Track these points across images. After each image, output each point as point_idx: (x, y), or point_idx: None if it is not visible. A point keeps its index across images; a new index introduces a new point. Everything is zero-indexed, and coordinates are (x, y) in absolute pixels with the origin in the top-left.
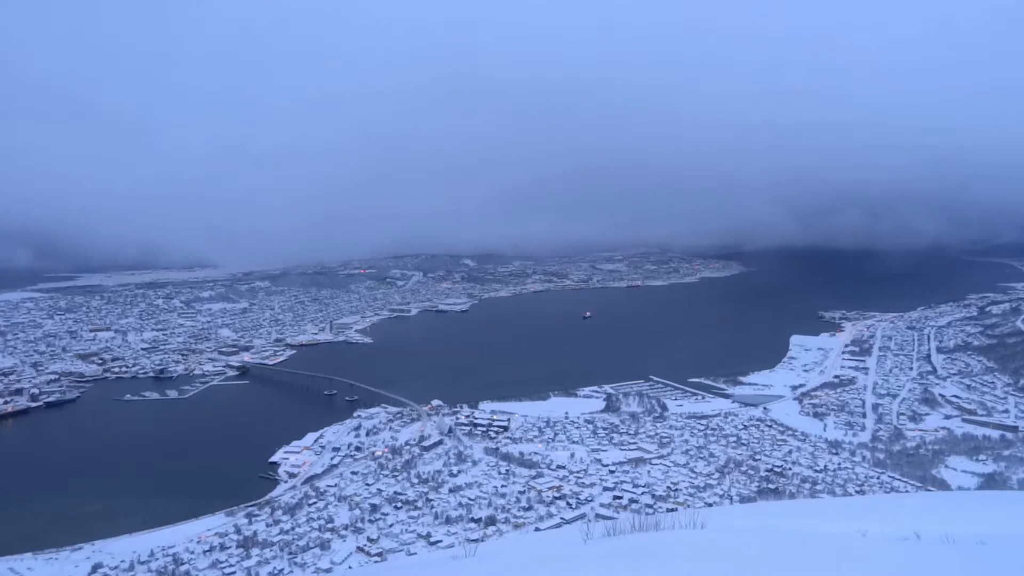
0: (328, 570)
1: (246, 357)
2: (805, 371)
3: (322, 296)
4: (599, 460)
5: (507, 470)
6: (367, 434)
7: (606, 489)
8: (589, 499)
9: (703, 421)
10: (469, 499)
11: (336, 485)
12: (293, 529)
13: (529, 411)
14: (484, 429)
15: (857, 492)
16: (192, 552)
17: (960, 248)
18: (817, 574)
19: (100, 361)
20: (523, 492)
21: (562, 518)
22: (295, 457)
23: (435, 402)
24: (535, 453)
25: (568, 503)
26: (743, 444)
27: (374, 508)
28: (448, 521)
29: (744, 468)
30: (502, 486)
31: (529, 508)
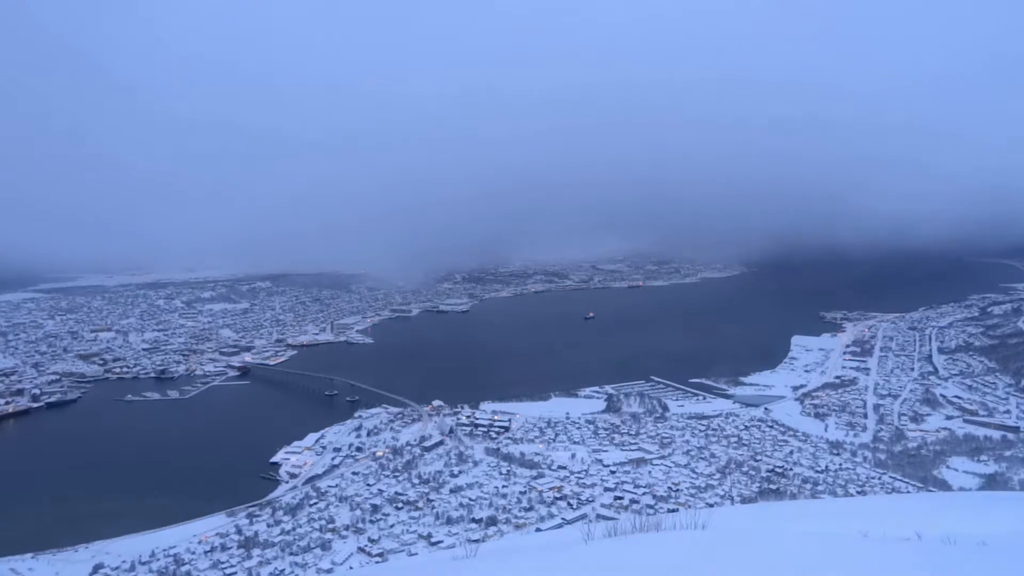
0: (329, 570)
1: (247, 357)
2: (806, 371)
3: (323, 296)
4: (600, 460)
5: (508, 470)
6: (368, 434)
7: (607, 490)
8: (590, 500)
9: (704, 421)
10: (470, 499)
11: (337, 485)
12: (294, 529)
13: (530, 411)
14: (485, 429)
15: (858, 493)
16: (193, 552)
17: (962, 250)
18: (819, 574)
19: (101, 362)
20: (524, 492)
21: (563, 519)
22: (296, 457)
23: (436, 402)
24: (536, 453)
25: (569, 504)
26: (744, 445)
27: (375, 508)
28: (449, 521)
29: (745, 469)
30: (503, 486)
31: (530, 508)
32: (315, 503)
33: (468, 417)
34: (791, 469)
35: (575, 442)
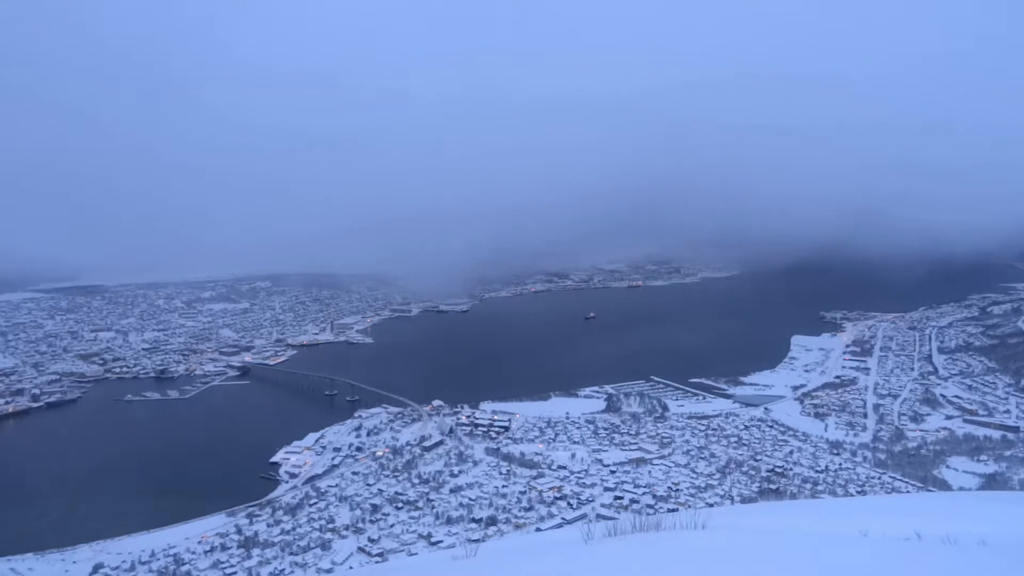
0: (329, 570)
1: (247, 357)
2: (806, 371)
3: (323, 296)
4: (600, 460)
5: (508, 470)
6: (368, 434)
7: (607, 489)
8: (590, 499)
9: (704, 421)
10: (470, 499)
11: (337, 485)
12: (294, 529)
13: (530, 411)
14: (485, 429)
15: (858, 492)
16: (193, 552)
17: (963, 251)
18: (818, 574)
19: (101, 361)
20: (524, 492)
21: (563, 518)
22: (296, 457)
23: (436, 402)
24: (536, 453)
25: (569, 503)
26: (744, 444)
27: (375, 508)
28: (449, 521)
29: (745, 468)
30: (503, 486)
31: (530, 508)
32: (315, 503)
33: (468, 417)
34: (791, 469)
35: (575, 442)
